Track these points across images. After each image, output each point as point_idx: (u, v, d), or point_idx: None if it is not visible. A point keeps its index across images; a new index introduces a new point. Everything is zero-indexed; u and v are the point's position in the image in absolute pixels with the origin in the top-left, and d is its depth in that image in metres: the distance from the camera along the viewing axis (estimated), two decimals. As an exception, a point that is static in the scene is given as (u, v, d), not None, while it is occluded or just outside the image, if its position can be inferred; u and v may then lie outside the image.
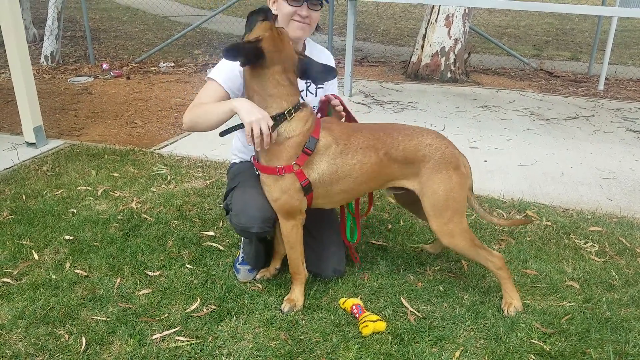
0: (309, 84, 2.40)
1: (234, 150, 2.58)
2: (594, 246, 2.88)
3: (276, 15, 2.24)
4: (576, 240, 2.93)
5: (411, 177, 2.19)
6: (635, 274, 2.63)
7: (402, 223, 3.08)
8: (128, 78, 6.92)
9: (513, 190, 3.57)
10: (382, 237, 2.91)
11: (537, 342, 2.10)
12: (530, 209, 3.28)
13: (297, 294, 2.30)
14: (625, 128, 5.18)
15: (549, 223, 3.12)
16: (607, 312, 2.30)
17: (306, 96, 2.40)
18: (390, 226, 3.05)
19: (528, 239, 2.94)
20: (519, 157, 4.29)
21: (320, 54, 2.47)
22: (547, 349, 2.06)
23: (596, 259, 2.76)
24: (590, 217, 3.24)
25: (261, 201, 2.19)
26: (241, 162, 2.53)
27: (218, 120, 2.11)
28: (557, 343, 2.10)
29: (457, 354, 2.03)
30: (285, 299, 2.29)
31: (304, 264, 2.32)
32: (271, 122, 2.00)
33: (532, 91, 6.69)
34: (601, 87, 6.89)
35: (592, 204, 3.45)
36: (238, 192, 2.29)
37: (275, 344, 2.07)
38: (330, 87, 2.52)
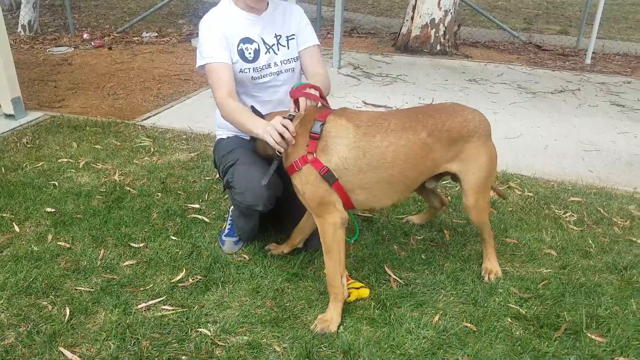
0: (279, 37, 2.33)
1: (219, 124, 2.51)
2: (573, 216, 2.93)
3: None
4: (556, 210, 2.98)
5: (453, 159, 2.07)
6: (610, 241, 2.69)
7: (386, 194, 3.10)
8: (110, 48, 6.79)
9: (498, 162, 3.58)
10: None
11: (514, 306, 2.16)
12: (513, 181, 3.32)
13: (332, 312, 2.03)
14: (609, 102, 5.22)
15: (531, 194, 3.16)
16: (582, 278, 2.37)
17: (278, 50, 2.32)
18: (374, 197, 3.06)
19: (510, 209, 2.98)
20: (504, 130, 4.31)
21: (285, 10, 2.38)
22: (523, 313, 2.12)
23: (574, 227, 2.81)
24: (570, 188, 3.29)
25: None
26: (228, 137, 2.47)
27: (248, 132, 2.11)
28: (533, 307, 2.16)
29: (437, 317, 2.08)
30: (318, 317, 2.04)
31: (344, 277, 2.07)
32: (283, 120, 1.93)
33: (521, 65, 6.69)
34: (588, 61, 6.90)
35: (573, 175, 3.49)
36: (241, 169, 2.24)
37: (261, 311, 2.10)
38: (303, 35, 2.39)
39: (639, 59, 7.29)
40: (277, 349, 1.91)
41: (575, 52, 7.52)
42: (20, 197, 2.91)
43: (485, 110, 4.74)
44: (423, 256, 2.49)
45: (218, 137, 2.53)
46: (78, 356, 1.86)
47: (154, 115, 4.40)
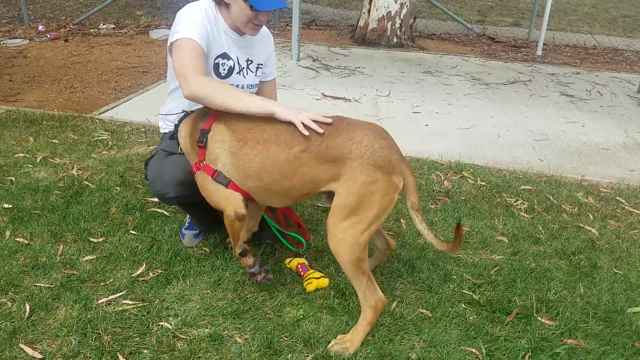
0: (249, 62, 2.35)
1: (165, 118, 2.44)
2: (524, 203, 3.08)
3: (227, 4, 2.14)
4: (507, 198, 3.12)
5: (336, 178, 1.89)
6: (559, 228, 2.84)
7: (346, 185, 3.16)
8: (66, 40, 6.59)
9: (451, 153, 3.72)
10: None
11: (468, 292, 2.26)
12: (466, 170, 3.45)
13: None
14: (559, 92, 5.44)
15: (483, 183, 3.30)
16: (532, 264, 2.50)
17: (247, 74, 2.35)
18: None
19: (463, 198, 3.10)
20: (458, 120, 4.45)
21: (261, 36, 2.39)
22: (476, 298, 2.23)
23: (525, 215, 2.96)
24: (522, 176, 3.44)
25: (175, 167, 2.17)
26: (170, 132, 2.43)
27: (244, 110, 1.95)
28: (485, 292, 2.27)
29: (394, 304, 2.16)
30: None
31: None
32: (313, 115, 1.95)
33: (475, 56, 6.88)
34: (539, 52, 7.16)
35: (524, 164, 3.65)
36: (154, 160, 2.31)
37: (223, 303, 2.13)
38: (269, 63, 2.48)
39: (588, 51, 7.62)
40: (239, 340, 1.95)
41: (526, 43, 7.78)
42: (-27, 195, 2.83)
43: (440, 101, 4.92)
44: (381, 245, 2.57)
45: (162, 131, 2.49)
46: (39, 352, 1.85)
47: (112, 109, 4.33)
